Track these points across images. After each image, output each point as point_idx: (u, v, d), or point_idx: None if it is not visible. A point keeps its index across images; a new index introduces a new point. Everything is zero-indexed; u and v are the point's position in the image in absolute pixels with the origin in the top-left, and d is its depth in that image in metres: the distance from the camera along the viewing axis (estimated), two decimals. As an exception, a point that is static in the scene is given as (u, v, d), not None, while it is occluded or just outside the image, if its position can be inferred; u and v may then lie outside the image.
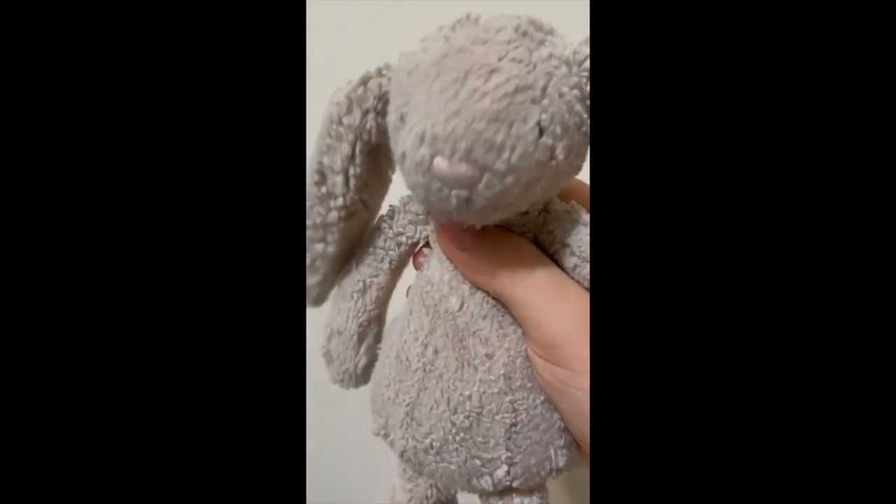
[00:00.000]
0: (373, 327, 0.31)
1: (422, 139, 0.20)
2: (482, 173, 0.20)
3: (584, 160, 0.24)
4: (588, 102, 0.21)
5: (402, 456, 0.29)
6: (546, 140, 0.21)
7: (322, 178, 0.26)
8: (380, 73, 0.24)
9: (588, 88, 0.21)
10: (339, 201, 0.26)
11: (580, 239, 0.25)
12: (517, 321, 0.26)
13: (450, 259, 0.27)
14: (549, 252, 0.26)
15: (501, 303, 0.26)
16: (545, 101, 0.21)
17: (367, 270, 0.30)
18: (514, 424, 0.26)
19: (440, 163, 0.20)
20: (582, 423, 0.25)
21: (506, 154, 0.20)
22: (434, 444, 0.27)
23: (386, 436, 0.30)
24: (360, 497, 0.59)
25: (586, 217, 0.25)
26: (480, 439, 0.26)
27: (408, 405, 0.27)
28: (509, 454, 0.26)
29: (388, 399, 0.29)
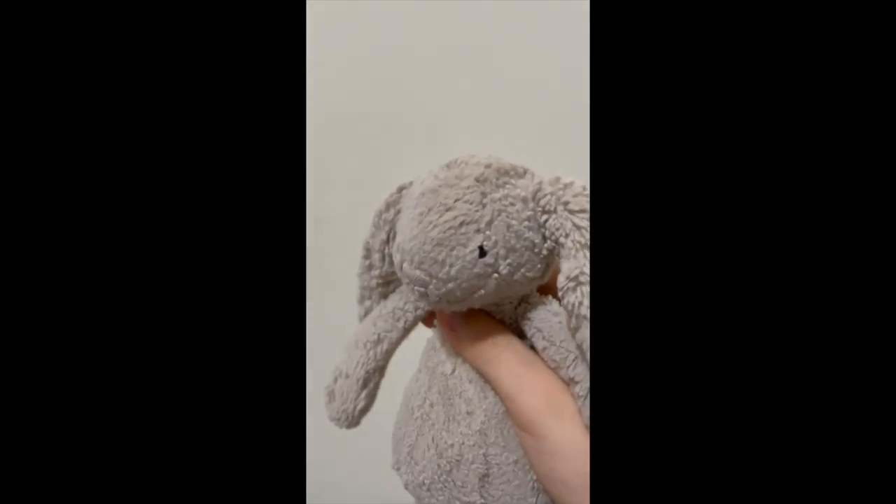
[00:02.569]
0: (376, 376, 0.36)
1: (398, 249, 0.29)
2: (430, 279, 0.28)
3: (544, 272, 0.30)
4: (544, 231, 0.28)
5: (406, 488, 0.35)
6: (488, 259, 0.28)
7: (368, 253, 0.36)
8: (412, 185, 0.33)
9: (542, 220, 0.28)
10: (377, 271, 0.36)
11: (550, 325, 0.31)
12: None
13: (447, 335, 0.34)
14: (528, 336, 0.32)
15: None
16: (489, 231, 0.28)
17: (384, 325, 0.36)
18: (486, 475, 0.32)
19: (406, 266, 0.29)
20: (556, 488, 0.29)
21: (445, 268, 0.28)
22: (425, 481, 0.33)
23: (397, 469, 0.36)
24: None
25: (558, 307, 0.31)
26: (459, 483, 0.32)
27: (409, 446, 0.34)
28: (483, 500, 0.32)
29: (399, 439, 0.35)
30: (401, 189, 0.33)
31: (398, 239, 0.30)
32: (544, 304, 0.32)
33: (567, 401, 0.29)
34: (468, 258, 0.28)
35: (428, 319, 0.37)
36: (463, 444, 0.32)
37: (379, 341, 0.35)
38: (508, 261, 0.29)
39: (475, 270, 0.28)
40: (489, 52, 0.64)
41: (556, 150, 0.50)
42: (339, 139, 0.69)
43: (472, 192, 0.28)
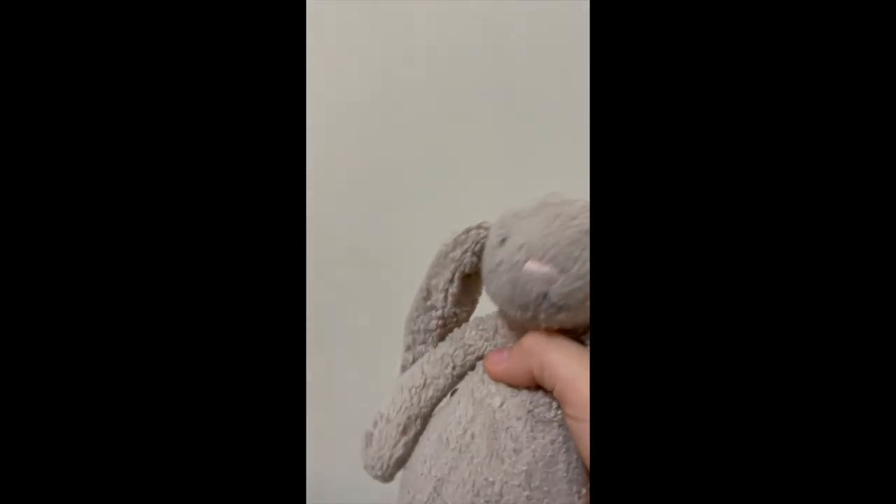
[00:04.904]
0: (418, 424, 0.35)
1: (520, 247, 0.29)
2: (560, 274, 0.28)
3: None
4: None
5: None
6: None
7: (428, 294, 0.35)
8: (480, 226, 0.33)
9: None
10: (439, 312, 0.35)
11: None
12: (552, 386, 0.30)
13: (495, 378, 0.32)
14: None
15: (535, 407, 0.31)
16: None
17: (431, 371, 0.35)
18: None
19: (531, 263, 0.29)
20: None
21: (579, 264, 0.28)
22: None
23: None
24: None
25: None
26: None
27: (438, 480, 0.31)
28: None
29: (421, 475, 0.33)
30: (468, 230, 0.33)
31: (520, 239, 0.29)
32: None
33: None
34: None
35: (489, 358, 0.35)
36: (505, 483, 0.30)
37: (425, 386, 0.34)
38: None
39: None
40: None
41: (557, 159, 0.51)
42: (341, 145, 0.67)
43: (586, 212, 0.30)
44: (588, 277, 0.28)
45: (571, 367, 0.29)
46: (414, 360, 0.36)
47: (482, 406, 0.32)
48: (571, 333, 0.32)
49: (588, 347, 0.31)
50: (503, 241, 0.30)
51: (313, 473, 0.41)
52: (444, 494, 0.31)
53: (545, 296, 0.29)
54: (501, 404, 0.31)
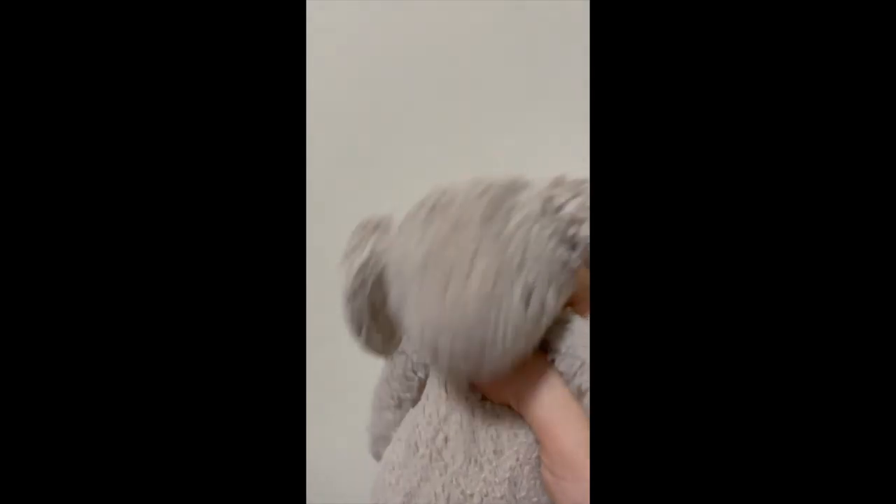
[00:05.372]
0: None
1: (421, 342, 0.24)
2: (480, 367, 0.23)
3: (572, 288, 0.25)
4: (570, 239, 0.23)
5: None
6: (534, 306, 0.22)
7: (359, 329, 0.28)
8: (376, 224, 0.27)
9: (570, 234, 0.23)
10: (378, 337, 0.29)
11: (557, 335, 0.25)
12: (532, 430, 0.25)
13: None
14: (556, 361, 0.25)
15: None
16: (525, 271, 0.22)
17: (398, 387, 0.30)
18: None
19: (446, 361, 0.23)
20: None
21: (498, 347, 0.22)
22: None
23: None
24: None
25: (577, 323, 0.25)
26: None
27: (406, 494, 0.26)
28: None
29: (389, 484, 0.27)
30: (365, 226, 0.27)
31: (412, 329, 0.24)
32: (564, 322, 0.25)
33: None
34: (517, 321, 0.22)
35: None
36: (486, 494, 0.24)
37: (399, 405, 0.31)
38: (552, 288, 0.23)
39: (527, 327, 0.23)
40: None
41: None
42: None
43: (485, 241, 0.22)
44: (517, 347, 0.23)
45: (549, 411, 0.24)
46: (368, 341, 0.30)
47: (458, 400, 0.26)
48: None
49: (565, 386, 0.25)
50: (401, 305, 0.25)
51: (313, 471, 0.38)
52: None
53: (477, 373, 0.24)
54: (483, 397, 0.26)
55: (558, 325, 0.25)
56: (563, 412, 0.24)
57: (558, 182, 0.24)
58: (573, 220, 0.23)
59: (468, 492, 0.25)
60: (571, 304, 0.26)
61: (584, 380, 0.24)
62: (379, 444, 0.32)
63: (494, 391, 0.26)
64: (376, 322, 0.28)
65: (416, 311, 0.23)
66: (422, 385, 0.30)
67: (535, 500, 0.24)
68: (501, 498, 0.24)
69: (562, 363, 0.24)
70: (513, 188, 0.24)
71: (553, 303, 0.23)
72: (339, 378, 0.53)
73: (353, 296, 0.27)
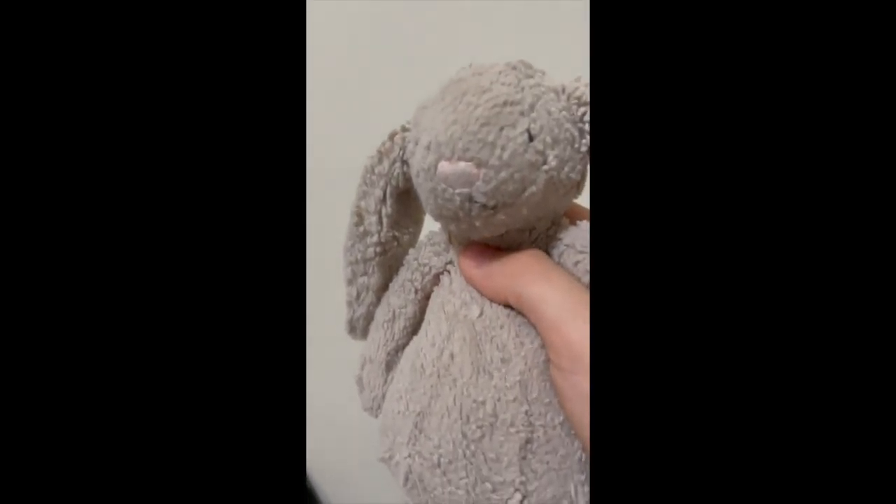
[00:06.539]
0: (398, 357, 0.31)
1: (428, 148, 0.24)
2: (479, 169, 0.23)
3: (582, 177, 0.26)
4: (580, 126, 0.25)
5: (405, 482, 0.27)
6: (536, 145, 0.23)
7: (360, 219, 0.30)
8: (404, 128, 0.28)
9: (580, 113, 0.24)
10: (375, 238, 0.30)
11: (583, 237, 0.26)
12: (535, 326, 0.25)
13: (470, 281, 0.27)
14: (556, 258, 0.27)
15: (520, 313, 0.26)
16: (533, 114, 0.23)
17: (397, 301, 0.31)
18: (529, 441, 0.24)
19: (443, 165, 0.23)
20: None
21: (497, 151, 0.23)
22: (441, 460, 0.25)
23: (390, 458, 0.28)
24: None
25: (587, 224, 0.27)
26: (492, 455, 0.24)
27: (418, 415, 0.26)
28: (523, 478, 0.24)
29: (398, 413, 0.27)
30: (393, 136, 0.28)
31: (426, 138, 0.24)
32: (575, 224, 0.27)
33: None
34: (519, 140, 0.23)
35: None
36: (499, 400, 0.25)
37: (394, 318, 0.31)
38: (555, 152, 0.24)
39: (527, 157, 0.23)
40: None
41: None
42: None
43: (506, 76, 0.24)
44: (513, 166, 0.23)
45: (555, 306, 0.24)
46: (359, 295, 0.32)
47: (458, 319, 0.27)
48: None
49: (570, 275, 0.26)
50: (416, 143, 0.25)
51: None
52: (428, 429, 0.26)
53: (470, 198, 0.23)
54: (480, 314, 0.26)
55: (572, 228, 0.27)
56: (572, 307, 0.24)
57: (578, 80, 0.25)
58: (582, 102, 0.24)
59: (479, 399, 0.25)
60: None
61: (586, 267, 0.25)
62: (365, 368, 0.32)
63: (497, 288, 0.26)
64: (392, 200, 0.28)
65: (431, 121, 0.24)
66: (419, 298, 0.30)
67: (546, 400, 0.25)
68: (514, 400, 0.25)
69: (565, 255, 0.26)
70: (534, 67, 0.26)
71: (555, 164, 0.24)
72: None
73: (378, 160, 0.28)
